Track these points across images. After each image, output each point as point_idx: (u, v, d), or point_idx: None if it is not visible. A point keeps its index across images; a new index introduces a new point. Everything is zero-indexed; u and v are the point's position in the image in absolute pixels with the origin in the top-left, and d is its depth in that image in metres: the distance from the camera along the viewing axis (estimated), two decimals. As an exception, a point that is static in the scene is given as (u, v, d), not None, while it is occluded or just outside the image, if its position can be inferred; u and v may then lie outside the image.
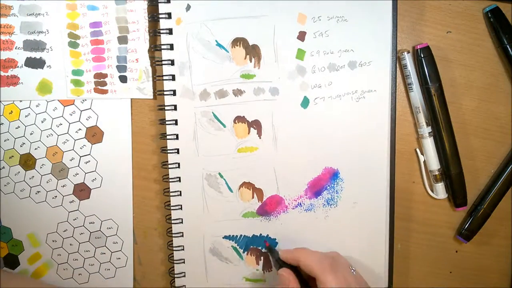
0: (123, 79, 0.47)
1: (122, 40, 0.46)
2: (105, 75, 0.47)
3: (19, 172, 0.48)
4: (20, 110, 0.48)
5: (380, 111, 0.46)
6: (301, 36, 0.46)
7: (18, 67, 0.47)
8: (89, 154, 0.48)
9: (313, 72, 0.46)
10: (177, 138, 0.46)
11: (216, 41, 0.46)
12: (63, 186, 0.49)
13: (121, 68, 0.47)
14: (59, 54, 0.47)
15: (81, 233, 0.49)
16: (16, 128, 0.48)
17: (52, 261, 0.50)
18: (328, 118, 0.46)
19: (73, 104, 0.48)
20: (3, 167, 0.48)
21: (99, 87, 0.47)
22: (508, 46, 0.47)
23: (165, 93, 0.46)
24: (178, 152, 0.47)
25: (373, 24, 0.45)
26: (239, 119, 0.47)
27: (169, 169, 0.47)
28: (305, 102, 0.46)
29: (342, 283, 0.40)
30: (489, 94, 0.49)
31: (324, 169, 0.47)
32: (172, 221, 0.48)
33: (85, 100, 0.48)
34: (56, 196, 0.49)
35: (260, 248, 0.49)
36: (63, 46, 0.47)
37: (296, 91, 0.46)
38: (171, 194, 0.47)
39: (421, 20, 0.48)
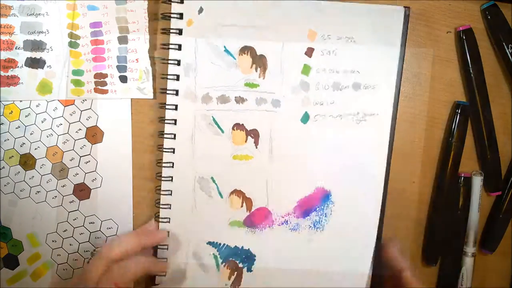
0: (123, 79, 0.47)
1: (122, 40, 0.47)
2: (105, 75, 0.47)
3: (19, 172, 0.48)
4: (20, 110, 0.48)
5: (380, 136, 0.46)
6: (309, 52, 0.45)
7: (18, 67, 0.47)
8: (89, 154, 0.48)
9: (317, 89, 0.46)
10: (174, 137, 0.46)
11: (224, 46, 0.45)
12: (63, 186, 0.49)
13: (121, 68, 0.47)
14: (59, 54, 0.47)
15: (81, 233, 0.49)
16: (16, 128, 0.48)
17: (51, 261, 0.50)
18: (326, 137, 0.46)
19: (73, 104, 0.48)
20: (3, 167, 0.48)
21: (99, 87, 0.47)
22: (504, 43, 0.47)
23: (167, 92, 0.46)
24: (173, 152, 0.47)
25: (382, 48, 0.45)
26: (238, 126, 0.46)
27: (163, 168, 0.47)
28: (305, 118, 0.46)
29: None
30: (489, 94, 0.49)
31: (316, 188, 0.47)
32: (160, 219, 0.47)
33: (85, 100, 0.48)
34: (56, 196, 0.49)
35: (237, 262, 0.48)
36: (63, 46, 0.47)
37: (298, 106, 0.46)
38: (161, 192, 0.47)
39: (421, 20, 0.48)
